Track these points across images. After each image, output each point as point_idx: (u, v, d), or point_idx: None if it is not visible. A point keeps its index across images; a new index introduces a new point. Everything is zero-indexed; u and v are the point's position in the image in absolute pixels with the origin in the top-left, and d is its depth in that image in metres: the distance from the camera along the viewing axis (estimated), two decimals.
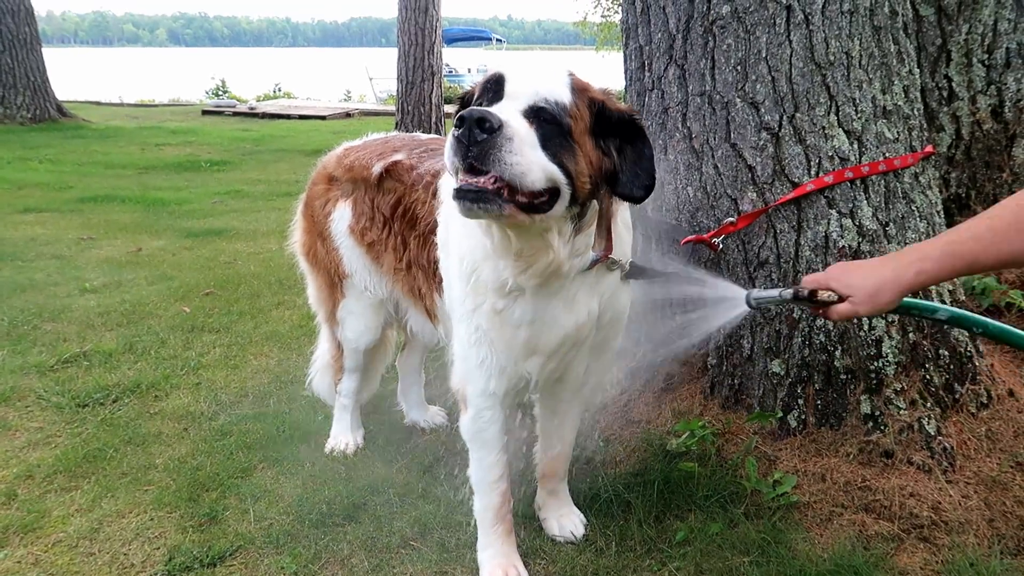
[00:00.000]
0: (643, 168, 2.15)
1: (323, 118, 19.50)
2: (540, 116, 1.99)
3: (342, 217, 3.18)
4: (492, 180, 1.89)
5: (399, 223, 2.94)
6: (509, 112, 1.95)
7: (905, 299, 2.08)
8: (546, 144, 1.97)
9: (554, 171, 1.97)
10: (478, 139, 1.85)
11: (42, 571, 2.64)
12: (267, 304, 5.42)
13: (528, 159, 1.91)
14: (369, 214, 3.08)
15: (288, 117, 19.61)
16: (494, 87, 2.06)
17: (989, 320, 2.09)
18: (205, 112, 20.72)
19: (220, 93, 25.05)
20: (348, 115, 20.36)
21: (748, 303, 2.31)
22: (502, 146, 1.86)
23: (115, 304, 5.36)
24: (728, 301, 2.46)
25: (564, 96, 2.04)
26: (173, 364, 4.36)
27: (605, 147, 2.13)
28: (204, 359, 4.44)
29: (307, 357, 3.88)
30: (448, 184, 2.28)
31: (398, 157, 3.03)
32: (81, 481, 3.18)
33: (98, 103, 22.79)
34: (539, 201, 1.99)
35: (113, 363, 4.36)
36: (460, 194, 1.90)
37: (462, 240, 2.38)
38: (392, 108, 17.58)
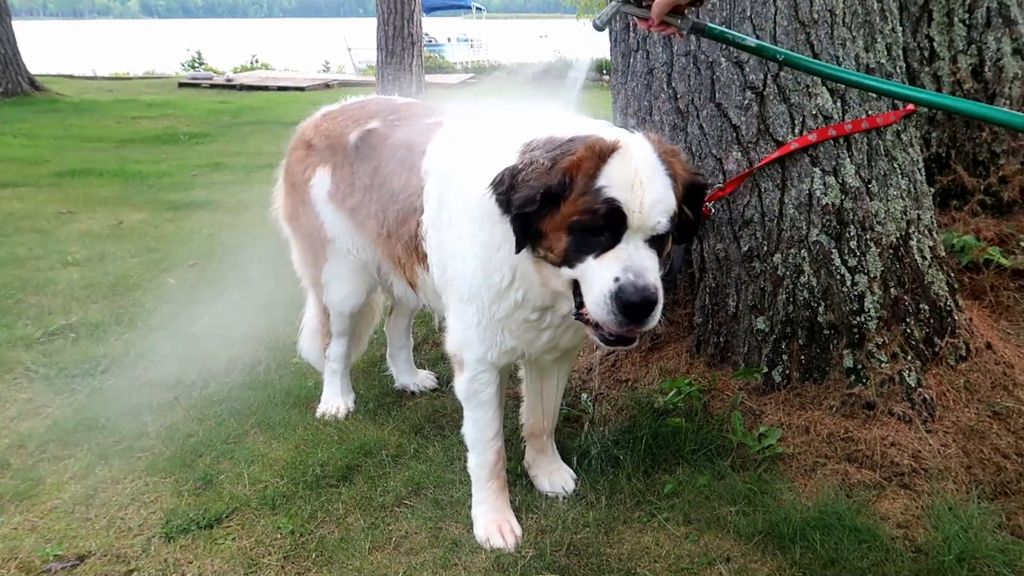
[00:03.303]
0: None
1: (302, 89, 19.25)
2: (657, 240, 2.10)
3: (322, 183, 3.17)
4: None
5: (378, 192, 2.93)
6: (641, 252, 2.05)
7: (721, 28, 2.29)
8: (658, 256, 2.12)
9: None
10: (649, 313, 2.02)
11: (40, 536, 2.66)
12: (253, 274, 5.39)
13: None
14: (349, 180, 3.06)
15: (266, 89, 19.33)
16: (616, 222, 2.04)
17: (788, 52, 2.34)
18: (181, 84, 20.33)
19: (196, 65, 24.59)
20: (327, 86, 20.06)
21: (595, 27, 2.41)
22: (656, 314, 2.04)
23: (99, 277, 5.32)
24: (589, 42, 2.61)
25: (673, 205, 2.11)
26: (161, 334, 4.35)
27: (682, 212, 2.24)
28: (192, 329, 4.43)
29: (295, 326, 3.89)
30: (473, 199, 2.30)
31: (374, 125, 3.01)
32: (74, 449, 3.19)
33: (71, 76, 22.26)
34: None
35: (100, 334, 4.35)
36: (614, 342, 2.14)
37: (505, 258, 2.31)
38: (372, 78, 17.37)
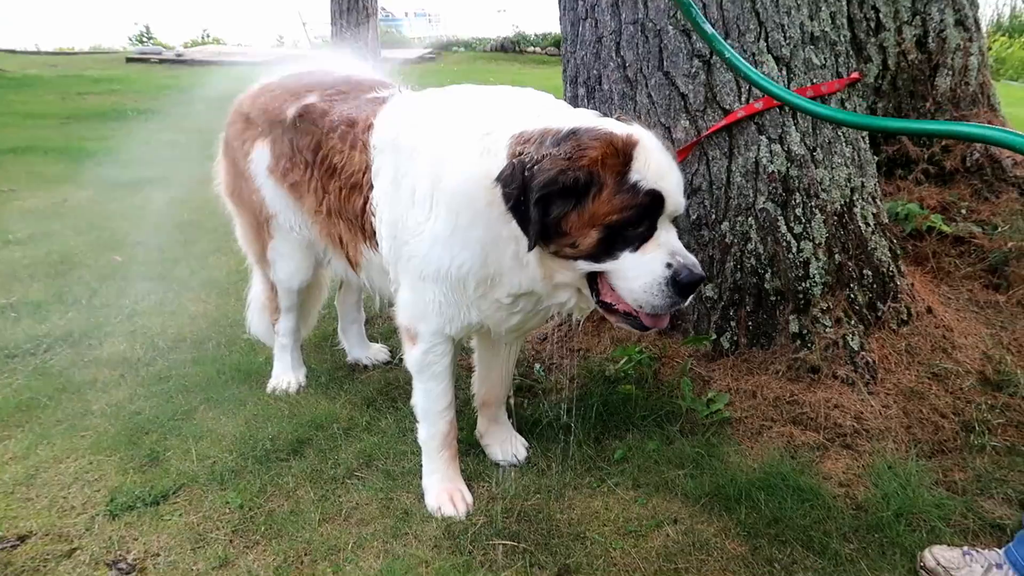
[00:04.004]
0: None
1: (255, 65, 18.83)
2: (677, 218, 2.19)
3: (261, 158, 3.07)
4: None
5: (318, 168, 2.83)
6: (673, 233, 2.14)
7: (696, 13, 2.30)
8: None
9: None
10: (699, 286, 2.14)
11: None
12: (203, 251, 5.30)
13: None
14: (289, 154, 2.95)
15: (218, 64, 18.85)
16: (655, 212, 2.08)
17: (735, 55, 2.31)
18: (129, 59, 19.71)
19: (145, 39, 23.89)
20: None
21: None
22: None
23: (42, 255, 5.16)
24: None
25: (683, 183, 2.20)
26: (106, 312, 4.24)
27: None
28: (139, 307, 4.33)
29: (245, 301, 3.83)
30: (454, 188, 2.22)
31: (311, 100, 2.91)
32: (14, 430, 3.10)
33: (12, 51, 21.44)
34: None
35: (42, 314, 4.22)
36: (647, 327, 2.20)
37: (502, 252, 2.25)
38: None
